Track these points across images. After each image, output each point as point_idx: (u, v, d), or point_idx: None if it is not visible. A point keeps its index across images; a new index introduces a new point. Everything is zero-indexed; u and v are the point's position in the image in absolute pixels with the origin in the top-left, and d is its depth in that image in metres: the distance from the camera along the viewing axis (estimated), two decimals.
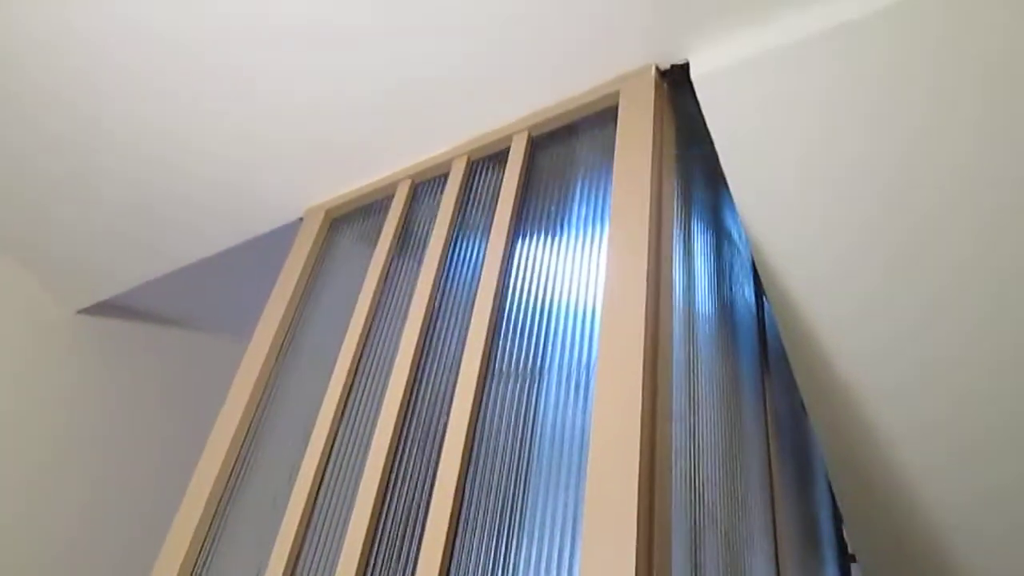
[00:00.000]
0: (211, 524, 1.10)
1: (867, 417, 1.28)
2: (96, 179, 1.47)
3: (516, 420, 0.94)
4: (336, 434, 1.09)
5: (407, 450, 1.00)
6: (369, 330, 1.20)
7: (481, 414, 0.95)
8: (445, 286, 1.17)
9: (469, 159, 1.31)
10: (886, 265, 1.13)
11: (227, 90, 1.28)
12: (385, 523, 0.94)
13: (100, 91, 1.31)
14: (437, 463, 0.92)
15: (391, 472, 0.98)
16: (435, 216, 1.26)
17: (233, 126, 1.34)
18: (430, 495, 0.89)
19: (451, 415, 0.95)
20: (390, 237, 1.30)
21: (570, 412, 0.89)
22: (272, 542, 1.00)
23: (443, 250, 1.20)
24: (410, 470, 0.97)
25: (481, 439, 0.93)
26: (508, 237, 1.13)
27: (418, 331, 1.11)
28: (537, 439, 0.90)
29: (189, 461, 1.18)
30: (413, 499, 0.93)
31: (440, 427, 0.97)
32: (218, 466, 1.13)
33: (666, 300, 0.94)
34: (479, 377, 0.97)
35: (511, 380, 0.99)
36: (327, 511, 1.01)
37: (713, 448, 1.00)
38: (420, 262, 1.22)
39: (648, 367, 0.83)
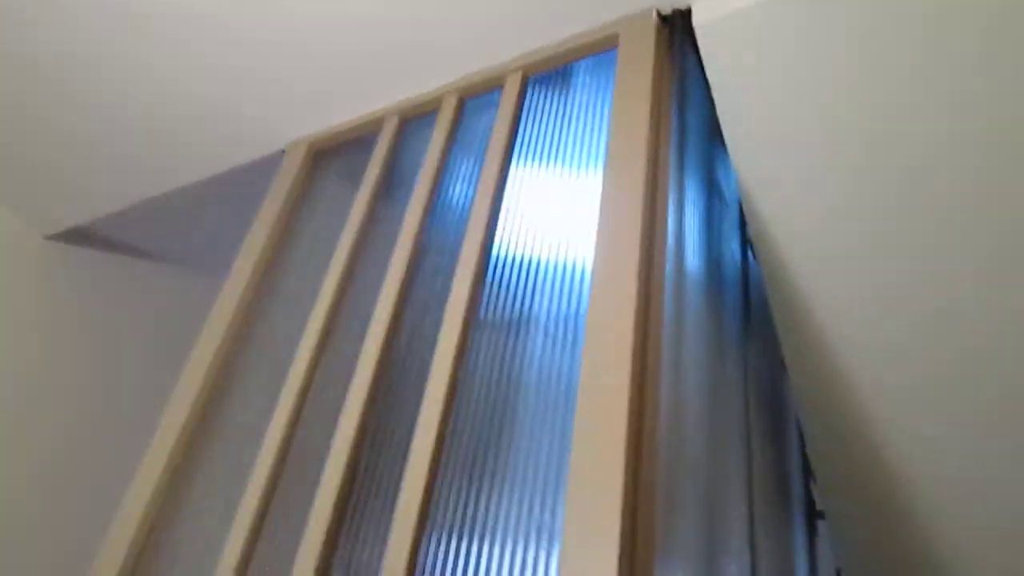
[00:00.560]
0: (183, 458, 1.08)
1: (846, 373, 1.28)
2: (69, 110, 1.41)
3: (501, 369, 0.92)
4: (314, 373, 1.07)
5: (387, 394, 0.98)
6: (351, 270, 1.17)
7: (465, 361, 0.94)
8: (431, 228, 1.15)
9: (460, 97, 1.27)
10: (875, 217, 1.12)
11: (207, 20, 1.22)
12: (364, 464, 0.93)
13: (76, 20, 1.25)
14: (418, 408, 0.91)
15: (369, 415, 0.97)
16: (423, 155, 1.23)
17: (213, 56, 1.28)
18: (410, 440, 0.87)
19: (434, 360, 0.93)
20: (375, 174, 1.27)
21: (557, 363, 0.88)
22: (247, 479, 0.98)
23: (430, 191, 1.17)
24: (390, 415, 0.96)
25: (464, 387, 0.92)
26: (498, 180, 1.10)
27: (402, 273, 1.09)
28: (522, 388, 0.89)
29: (160, 393, 1.15)
30: (393, 442, 0.92)
31: (423, 373, 0.95)
32: (191, 401, 1.11)
33: (659, 248, 0.93)
34: (464, 322, 0.96)
35: (497, 328, 0.98)
36: (302, 450, 1.00)
37: (698, 402, 1.00)
38: (406, 202, 1.19)
39: (640, 318, 0.82)
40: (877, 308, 1.20)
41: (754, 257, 1.31)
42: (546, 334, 0.92)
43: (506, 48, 1.22)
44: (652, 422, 0.79)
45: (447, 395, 0.89)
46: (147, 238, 1.82)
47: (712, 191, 1.28)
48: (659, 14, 1.12)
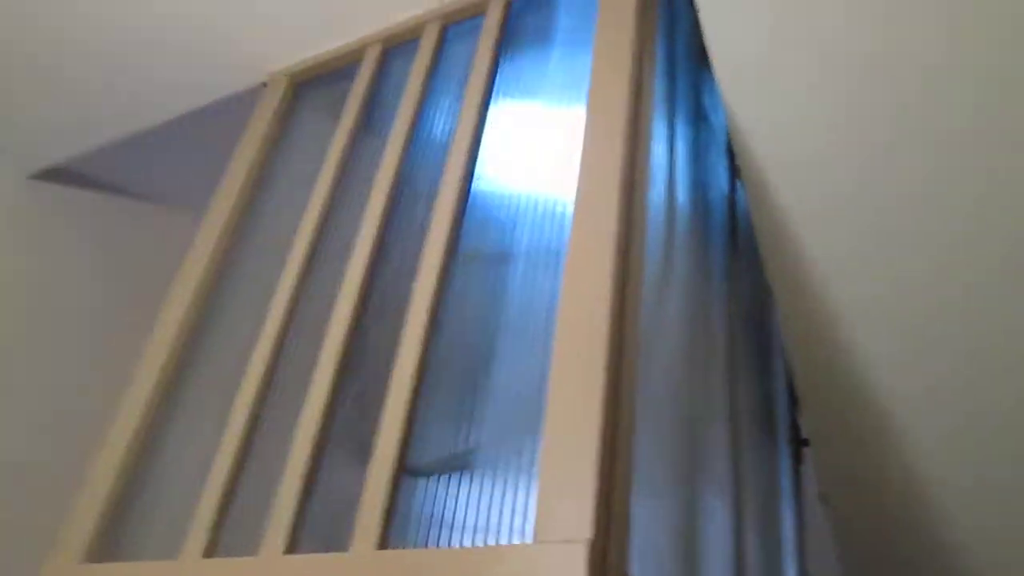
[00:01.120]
0: (165, 395, 1.08)
1: (832, 298, 1.27)
2: (44, 44, 1.37)
3: (481, 300, 0.92)
4: (296, 304, 1.07)
5: (368, 325, 0.99)
6: (332, 202, 1.16)
7: (444, 293, 0.93)
8: (412, 160, 1.13)
9: (443, 24, 1.23)
10: (867, 153, 1.10)
11: None
12: (345, 390, 0.94)
13: None
14: (398, 338, 0.90)
15: (351, 346, 0.97)
16: (404, 86, 1.20)
17: None
18: (390, 368, 0.88)
19: (414, 291, 0.93)
20: (356, 106, 1.24)
21: (537, 295, 0.88)
22: (228, 414, 0.99)
23: (411, 122, 1.15)
24: (371, 343, 0.96)
25: (443, 318, 0.92)
26: (479, 111, 1.08)
27: (382, 206, 1.07)
28: (503, 321, 0.89)
29: (141, 332, 1.15)
30: (374, 371, 0.92)
31: (403, 305, 0.95)
32: (171, 338, 1.11)
33: (642, 178, 0.91)
34: (444, 253, 0.95)
35: (477, 260, 0.97)
36: (284, 384, 1.01)
37: (680, 331, 1.00)
38: (387, 135, 1.16)
39: (620, 249, 0.81)
40: (868, 243, 1.19)
41: (741, 184, 1.29)
42: (527, 265, 0.91)
43: None
44: (632, 353, 0.79)
45: (427, 325, 0.89)
46: (126, 175, 1.79)
47: (699, 117, 1.26)
48: None
